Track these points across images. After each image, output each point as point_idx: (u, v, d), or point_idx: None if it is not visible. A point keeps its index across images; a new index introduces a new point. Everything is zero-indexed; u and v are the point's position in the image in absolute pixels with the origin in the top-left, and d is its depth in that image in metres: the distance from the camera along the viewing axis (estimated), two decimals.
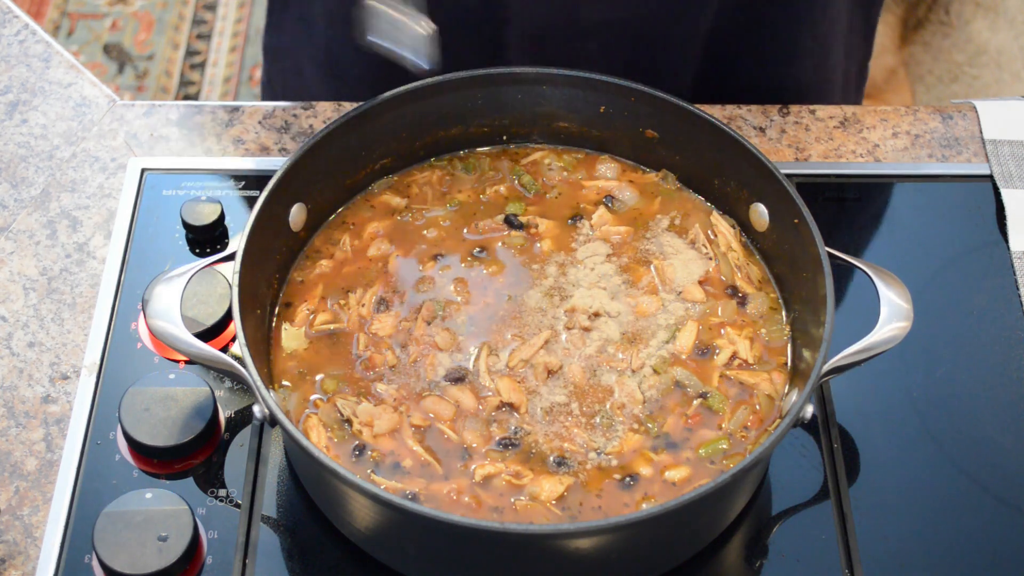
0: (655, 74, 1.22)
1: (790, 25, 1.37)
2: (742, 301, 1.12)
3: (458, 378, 1.07)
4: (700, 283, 1.13)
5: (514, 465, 1.02)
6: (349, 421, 1.04)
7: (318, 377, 1.07)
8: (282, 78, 1.52)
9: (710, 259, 1.14)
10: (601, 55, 1.33)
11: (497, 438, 1.04)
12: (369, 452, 1.03)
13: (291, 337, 1.10)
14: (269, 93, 1.56)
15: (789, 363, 1.09)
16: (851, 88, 1.53)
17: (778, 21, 1.36)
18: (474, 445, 1.03)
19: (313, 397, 1.06)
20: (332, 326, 1.10)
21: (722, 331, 1.10)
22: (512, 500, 1.00)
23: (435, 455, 1.03)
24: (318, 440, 1.03)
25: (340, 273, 1.14)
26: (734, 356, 1.09)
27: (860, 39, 1.48)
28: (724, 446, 1.04)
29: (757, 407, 1.06)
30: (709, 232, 1.16)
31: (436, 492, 1.01)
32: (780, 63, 1.40)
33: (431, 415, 1.05)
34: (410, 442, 1.04)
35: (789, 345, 1.10)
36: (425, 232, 1.16)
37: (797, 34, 1.38)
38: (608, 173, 1.20)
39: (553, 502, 1.00)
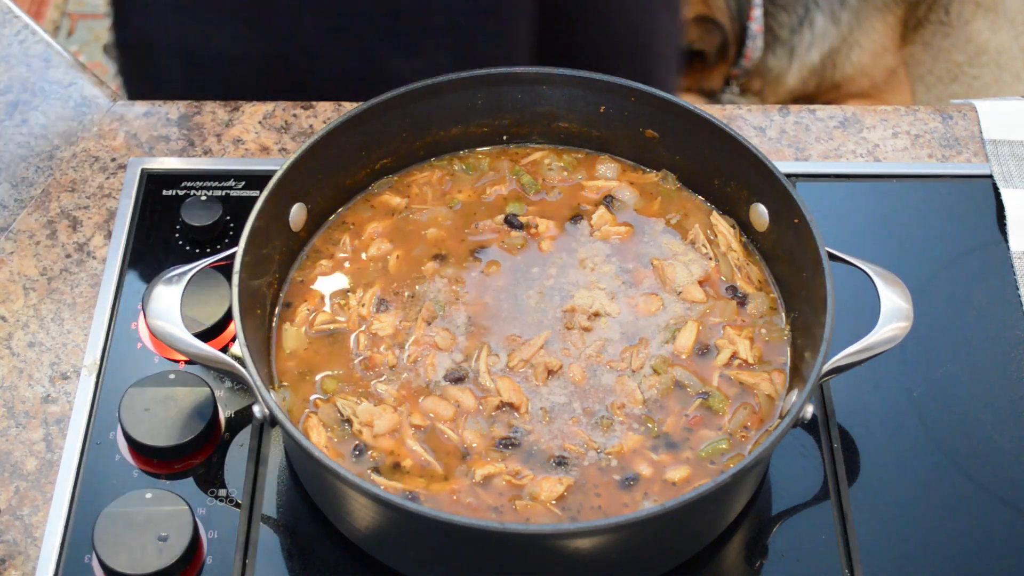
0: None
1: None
2: (742, 301, 1.12)
3: (458, 378, 1.07)
4: (700, 283, 1.13)
5: (514, 465, 1.02)
6: (349, 421, 1.04)
7: (318, 377, 1.07)
8: (140, 71, 1.50)
9: (710, 259, 1.14)
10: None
11: (497, 438, 1.04)
12: (369, 452, 1.03)
13: (291, 337, 1.10)
14: (132, 90, 1.53)
15: (789, 363, 1.09)
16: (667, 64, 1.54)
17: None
18: (474, 445, 1.03)
19: (313, 397, 1.06)
20: (332, 326, 1.10)
21: (721, 331, 1.10)
22: (512, 500, 1.00)
23: (435, 455, 1.03)
24: (318, 440, 1.03)
25: (342, 268, 1.14)
26: (734, 356, 1.09)
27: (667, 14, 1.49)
28: (724, 446, 1.04)
29: (757, 407, 1.06)
30: (709, 232, 1.16)
31: (436, 492, 1.01)
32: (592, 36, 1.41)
33: (431, 415, 1.05)
34: (410, 442, 1.03)
35: (789, 345, 1.10)
36: (425, 232, 1.16)
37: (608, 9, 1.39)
38: (608, 173, 1.20)
39: (553, 502, 1.00)
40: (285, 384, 1.07)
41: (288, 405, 1.05)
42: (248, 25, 1.39)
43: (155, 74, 1.48)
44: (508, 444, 1.03)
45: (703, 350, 1.09)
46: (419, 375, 1.07)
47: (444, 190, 1.19)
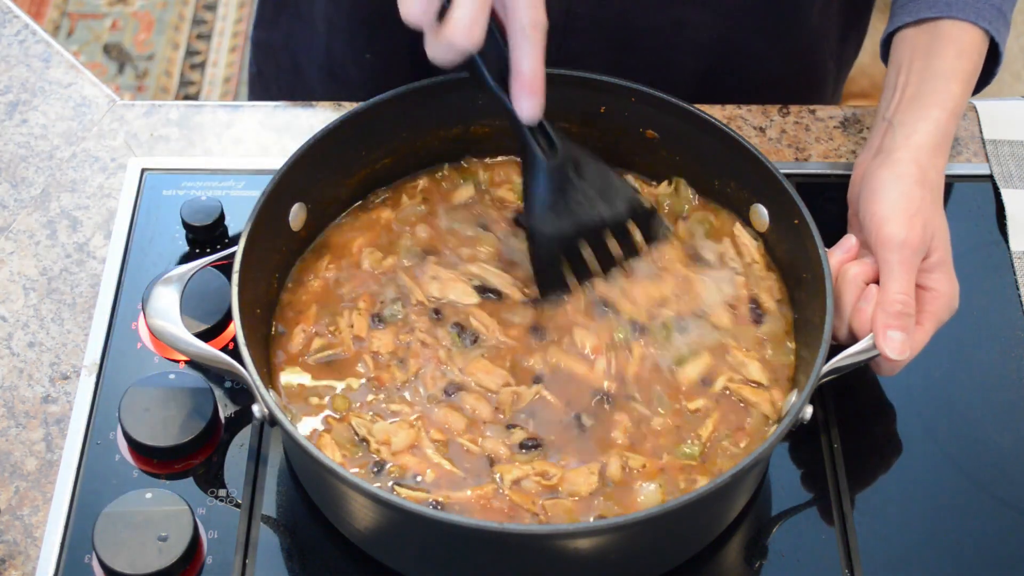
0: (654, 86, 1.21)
1: (786, 31, 1.37)
2: (759, 319, 1.11)
3: (459, 388, 1.06)
4: (729, 306, 1.11)
5: (541, 465, 1.02)
6: (366, 441, 1.03)
7: (327, 398, 1.06)
8: (276, 74, 1.51)
9: (739, 273, 1.13)
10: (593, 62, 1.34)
11: (517, 442, 1.03)
12: (389, 468, 1.02)
13: (291, 368, 1.08)
14: (259, 87, 1.55)
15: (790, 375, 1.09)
16: (839, 88, 1.53)
17: (776, 28, 1.36)
18: (500, 452, 1.03)
19: (324, 414, 1.05)
20: (329, 352, 1.09)
21: (727, 355, 1.09)
22: (544, 500, 1.00)
23: (456, 464, 1.02)
24: (333, 458, 1.01)
25: (335, 293, 1.13)
26: (730, 382, 1.07)
27: (849, 50, 1.48)
28: (693, 450, 1.03)
29: (747, 423, 1.05)
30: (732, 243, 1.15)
31: (460, 500, 1.00)
32: (773, 68, 1.40)
33: (446, 427, 1.04)
34: (430, 453, 1.02)
35: (791, 368, 1.09)
36: (423, 233, 1.16)
37: (790, 40, 1.38)
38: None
39: (591, 491, 1.00)
40: (292, 407, 1.06)
41: (299, 425, 1.04)
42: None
43: (293, 80, 1.48)
44: (531, 446, 1.03)
45: (707, 381, 1.07)
46: (424, 387, 1.06)
47: (446, 189, 1.19)
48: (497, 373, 1.07)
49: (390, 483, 1.01)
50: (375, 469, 1.02)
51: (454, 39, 0.97)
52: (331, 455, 1.02)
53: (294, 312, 1.11)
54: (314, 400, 1.06)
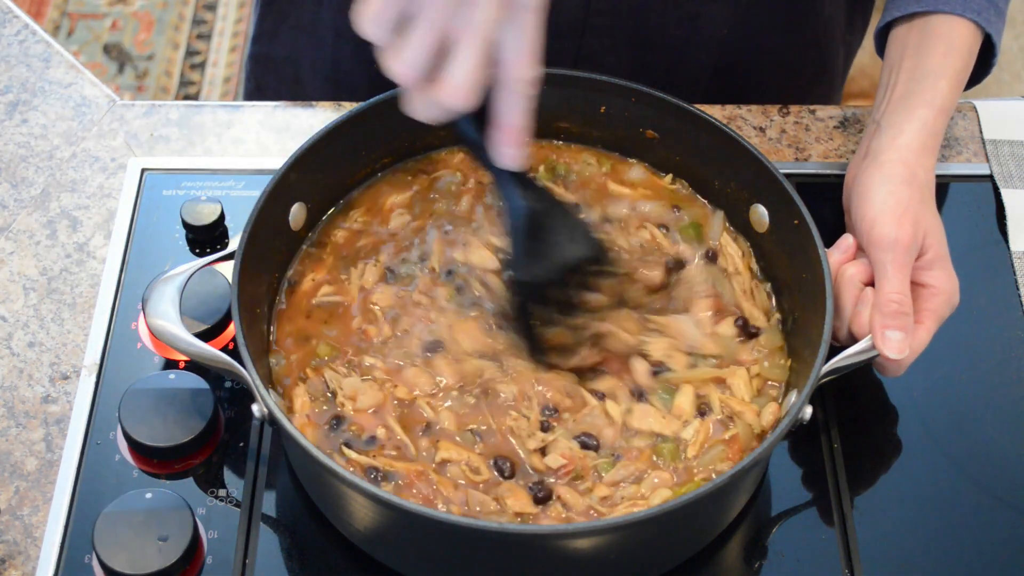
0: (668, 81, 1.21)
1: (798, 22, 1.37)
2: (754, 334, 1.10)
3: (437, 348, 1.07)
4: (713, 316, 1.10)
5: (476, 460, 1.02)
6: (334, 393, 1.05)
7: (315, 345, 1.08)
8: (277, 87, 1.51)
9: (731, 272, 1.13)
10: (612, 61, 1.34)
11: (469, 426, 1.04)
12: (347, 425, 1.03)
13: (293, 308, 1.10)
14: (257, 100, 1.55)
15: (783, 386, 1.08)
16: (845, 76, 1.54)
17: (789, 19, 1.36)
18: (446, 425, 1.03)
19: (307, 364, 1.07)
20: (334, 297, 1.11)
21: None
22: (469, 490, 1.00)
23: (410, 435, 1.03)
24: (301, 408, 1.04)
25: (354, 245, 1.15)
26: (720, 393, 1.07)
27: (856, 37, 1.49)
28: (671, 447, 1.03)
29: (734, 434, 1.05)
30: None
31: (400, 470, 1.01)
32: (787, 59, 1.40)
33: (415, 390, 1.05)
34: (390, 420, 1.03)
35: (784, 381, 1.08)
36: (454, 206, 1.17)
37: (802, 31, 1.38)
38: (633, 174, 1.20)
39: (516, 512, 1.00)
40: (279, 354, 1.07)
41: (282, 372, 1.06)
42: None
43: (295, 92, 1.48)
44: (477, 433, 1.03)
45: (702, 410, 1.06)
46: (406, 345, 1.07)
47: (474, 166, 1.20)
48: (478, 340, 1.07)
49: (340, 442, 1.02)
50: (333, 424, 1.03)
51: (447, 99, 0.90)
52: (299, 405, 1.04)
53: (312, 261, 1.13)
54: (305, 347, 1.08)
